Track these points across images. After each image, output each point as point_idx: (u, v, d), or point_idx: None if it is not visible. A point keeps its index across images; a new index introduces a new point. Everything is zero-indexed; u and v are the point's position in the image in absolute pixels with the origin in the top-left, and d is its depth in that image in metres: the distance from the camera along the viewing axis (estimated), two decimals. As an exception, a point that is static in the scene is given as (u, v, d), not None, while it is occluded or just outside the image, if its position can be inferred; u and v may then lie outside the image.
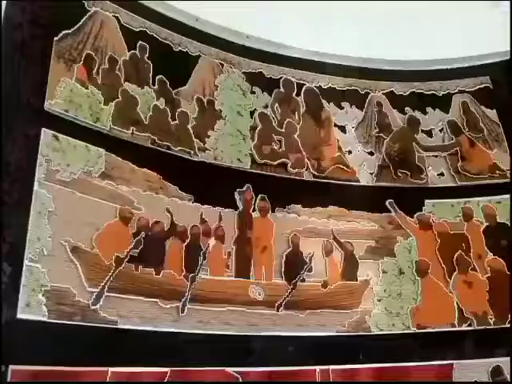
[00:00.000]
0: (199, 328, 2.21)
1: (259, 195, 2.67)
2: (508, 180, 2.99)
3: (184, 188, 2.50)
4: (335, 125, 3.06)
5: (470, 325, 2.58)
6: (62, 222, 2.05)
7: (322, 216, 2.75)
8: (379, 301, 2.59)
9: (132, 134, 2.48)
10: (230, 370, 2.14)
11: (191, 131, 2.69)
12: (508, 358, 2.43)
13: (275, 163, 2.80)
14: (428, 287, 2.64)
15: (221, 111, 2.83)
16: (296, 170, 2.83)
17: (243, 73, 3.01)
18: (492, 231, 2.84)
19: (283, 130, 2.93)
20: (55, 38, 2.34)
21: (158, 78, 2.69)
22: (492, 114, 3.20)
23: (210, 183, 2.61)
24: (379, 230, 2.78)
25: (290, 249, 2.60)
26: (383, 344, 2.48)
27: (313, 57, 3.23)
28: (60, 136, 2.19)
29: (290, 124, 2.96)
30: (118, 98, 2.50)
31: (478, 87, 3.27)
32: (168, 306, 2.19)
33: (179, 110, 2.71)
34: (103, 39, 2.58)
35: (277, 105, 2.99)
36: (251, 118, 2.88)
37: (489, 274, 2.71)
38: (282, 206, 2.70)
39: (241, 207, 2.62)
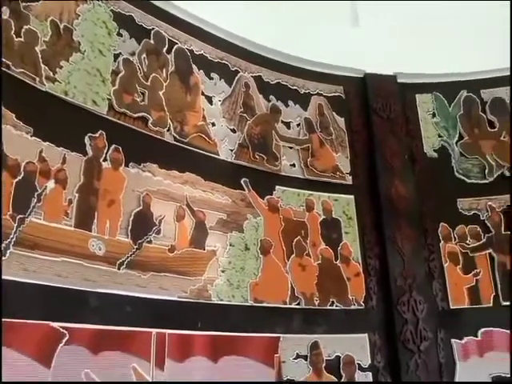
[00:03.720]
0: (23, 276, 2.01)
1: (113, 145, 2.58)
2: (345, 182, 3.58)
3: (23, 117, 2.25)
4: (203, 93, 3.18)
5: (298, 303, 2.98)
6: None
7: (178, 181, 2.81)
8: (223, 272, 2.78)
9: (-42, 37, 2.14)
10: (56, 324, 2.01)
11: (39, 55, 2.44)
12: (325, 335, 2.92)
13: (135, 115, 2.75)
14: (268, 265, 2.95)
15: (79, 43, 2.64)
16: (157, 128, 2.83)
17: (111, 11, 2.88)
18: (327, 224, 3.35)
19: (148, 84, 2.90)
20: None
21: (2, -20, 2.39)
22: (341, 121, 3.77)
23: (56, 119, 2.41)
24: (232, 205, 2.99)
25: (141, 208, 2.58)
26: (221, 313, 2.66)
27: (190, 19, 3.29)
28: None
29: (156, 79, 2.95)
30: None
31: (332, 94, 3.82)
32: (-15, 247, 1.94)
33: (27, 27, 2.43)
34: None
35: (144, 55, 2.94)
36: (114, 61, 2.77)
37: (320, 261, 3.18)
38: (136, 161, 2.66)
39: (90, 153, 2.50)
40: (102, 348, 2.12)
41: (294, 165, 3.42)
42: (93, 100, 2.60)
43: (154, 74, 2.94)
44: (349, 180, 3.57)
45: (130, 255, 2.44)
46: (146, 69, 2.93)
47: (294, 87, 3.67)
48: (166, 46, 3.09)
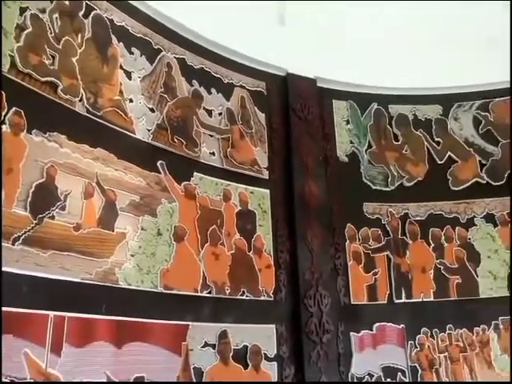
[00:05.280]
0: None
1: (14, 108, 2.30)
2: (262, 176, 3.58)
3: None
4: (121, 67, 2.96)
5: (210, 292, 2.92)
6: None
7: (89, 156, 2.58)
8: (132, 256, 2.61)
9: None
10: None
11: None
12: (234, 325, 2.87)
13: (43, 79, 2.47)
14: (181, 252, 2.84)
15: (-24, -12, 2.33)
16: (67, 96, 2.57)
17: (19, -41, 2.58)
18: (242, 215, 3.32)
19: (60, 47, 2.62)
20: None
21: None
22: (261, 116, 3.77)
23: None
24: (146, 188, 2.82)
25: (43, 180, 2.32)
26: (129, 299, 2.50)
27: (112, -13, 3.08)
28: None
29: (69, 43, 2.67)
30: None
31: (255, 89, 3.81)
32: None
33: None
34: None
35: (57, 15, 2.65)
36: (20, 15, 2.48)
37: (233, 251, 3.14)
38: (41, 129, 2.40)
39: (-15, 113, 2.21)
40: (-12, 331, 1.86)
41: (213, 153, 3.35)
42: (-9, 54, 2.29)
43: (66, 38, 2.68)
44: (265, 175, 3.59)
45: (28, 230, 2.18)
46: (58, 30, 2.66)
47: (218, 75, 3.60)
48: (83, 10, 2.84)
